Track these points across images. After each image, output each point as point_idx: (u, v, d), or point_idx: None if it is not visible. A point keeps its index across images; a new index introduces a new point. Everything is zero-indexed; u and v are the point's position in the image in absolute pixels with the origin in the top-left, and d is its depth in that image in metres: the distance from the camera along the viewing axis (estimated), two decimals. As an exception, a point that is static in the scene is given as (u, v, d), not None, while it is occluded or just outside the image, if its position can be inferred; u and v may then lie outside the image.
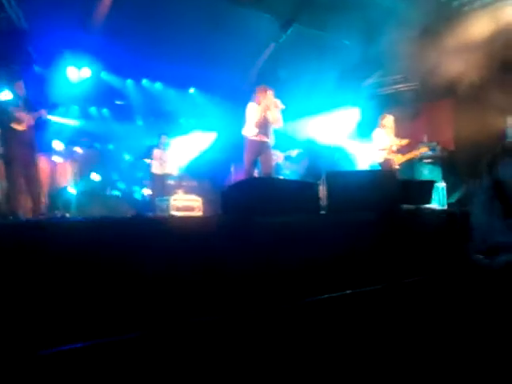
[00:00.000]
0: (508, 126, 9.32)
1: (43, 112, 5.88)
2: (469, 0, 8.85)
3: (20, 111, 5.68)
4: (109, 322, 2.44)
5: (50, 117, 6.32)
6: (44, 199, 6.79)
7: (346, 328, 2.77)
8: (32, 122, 5.74)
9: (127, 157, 10.07)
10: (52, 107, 6.26)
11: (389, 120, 8.15)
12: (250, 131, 6.31)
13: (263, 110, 6.32)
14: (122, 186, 9.58)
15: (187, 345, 2.44)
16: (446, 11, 8.67)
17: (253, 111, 6.31)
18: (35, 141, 5.89)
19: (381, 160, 8.04)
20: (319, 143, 10.90)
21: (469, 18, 8.78)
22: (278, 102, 6.44)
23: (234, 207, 4.27)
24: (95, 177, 9.19)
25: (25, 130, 5.68)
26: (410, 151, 8.54)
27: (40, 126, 5.92)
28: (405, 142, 8.20)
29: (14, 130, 5.59)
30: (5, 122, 5.56)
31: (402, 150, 8.43)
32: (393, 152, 8.10)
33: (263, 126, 6.33)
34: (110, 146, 10.38)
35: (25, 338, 2.18)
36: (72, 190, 7.91)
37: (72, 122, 9.59)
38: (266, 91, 6.38)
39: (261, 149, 6.38)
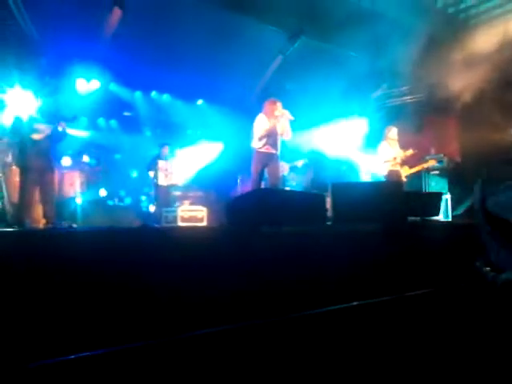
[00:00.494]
0: (514, 137, 9.31)
1: (63, 124, 5.97)
2: (476, 13, 8.92)
3: (39, 122, 5.78)
4: (114, 332, 2.45)
5: (68, 130, 6.40)
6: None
7: (352, 340, 2.76)
8: (49, 132, 5.83)
9: (134, 171, 10.14)
10: (72, 120, 6.35)
11: (393, 132, 8.22)
12: (258, 143, 6.36)
13: (272, 122, 6.38)
14: (128, 196, 9.64)
15: (190, 357, 2.44)
16: (452, 24, 8.73)
17: (261, 123, 6.36)
18: (51, 150, 5.96)
19: (386, 172, 8.09)
20: (324, 154, 10.94)
21: (475, 31, 8.83)
22: (287, 113, 6.50)
23: (241, 218, 4.28)
24: (103, 192, 9.27)
25: (41, 140, 5.76)
26: (416, 163, 8.55)
27: (58, 137, 6.01)
28: (409, 153, 8.21)
29: (32, 139, 5.68)
30: (25, 132, 5.66)
31: (409, 163, 8.43)
32: (398, 164, 8.11)
33: (271, 137, 6.37)
34: (118, 157, 10.45)
35: (24, 348, 2.19)
36: (79, 201, 7.96)
37: (80, 133, 9.68)
38: (275, 103, 6.45)
39: (268, 160, 6.40)
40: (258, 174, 6.38)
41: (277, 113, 6.39)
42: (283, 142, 6.73)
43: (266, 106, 6.48)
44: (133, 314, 2.61)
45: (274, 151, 6.45)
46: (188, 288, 2.91)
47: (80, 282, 2.56)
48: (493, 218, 3.04)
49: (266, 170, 6.48)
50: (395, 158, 8.06)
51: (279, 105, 6.46)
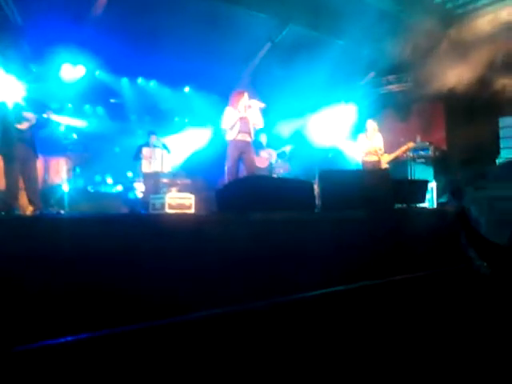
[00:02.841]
0: (500, 127, 9.44)
1: (49, 113, 5.92)
2: (462, 3, 8.96)
3: (26, 111, 5.72)
4: (100, 317, 2.46)
5: (54, 116, 6.34)
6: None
7: (339, 324, 2.81)
8: (34, 122, 5.78)
9: (120, 153, 10.07)
10: (59, 110, 6.29)
11: (372, 126, 8.53)
12: (231, 134, 6.45)
13: (240, 111, 6.47)
14: (115, 183, 9.60)
15: (179, 342, 2.47)
16: (439, 14, 8.76)
17: (229, 115, 6.45)
18: (35, 139, 5.92)
19: (361, 162, 8.50)
20: (309, 139, 11.01)
21: (462, 20, 8.90)
22: (256, 101, 6.61)
23: (230, 205, 4.30)
24: (109, 180, 9.26)
25: (26, 129, 5.71)
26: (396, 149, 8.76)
27: (42, 125, 5.96)
28: (377, 148, 8.48)
29: (16, 128, 5.63)
30: (11, 121, 5.60)
31: (390, 148, 8.63)
32: (374, 155, 8.33)
33: (243, 126, 6.45)
34: (104, 144, 10.36)
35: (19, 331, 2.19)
36: (65, 187, 7.90)
37: (66, 120, 9.56)
38: (241, 94, 6.56)
39: (244, 148, 6.47)
40: (235, 161, 6.44)
41: (243, 103, 6.48)
42: (261, 131, 6.78)
43: (232, 97, 6.58)
44: (121, 300, 2.63)
45: (248, 139, 6.54)
46: (175, 275, 2.93)
47: (68, 267, 2.56)
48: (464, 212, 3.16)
49: (242, 159, 6.53)
50: (371, 150, 8.40)
51: (246, 95, 6.55)
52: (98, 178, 9.60)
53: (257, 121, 6.62)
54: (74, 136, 9.45)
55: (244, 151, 6.47)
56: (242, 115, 6.48)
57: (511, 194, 3.37)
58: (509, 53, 8.15)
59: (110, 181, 9.73)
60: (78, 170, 9.12)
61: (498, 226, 3.16)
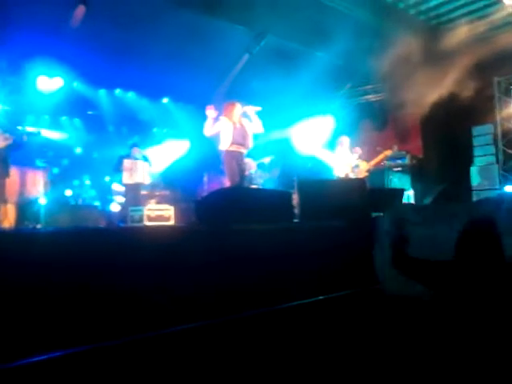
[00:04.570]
0: (474, 136, 9.67)
1: (25, 137, 5.87)
2: (436, 15, 9.17)
3: (3, 131, 5.69)
4: (76, 334, 2.43)
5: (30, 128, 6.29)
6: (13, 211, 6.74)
7: (319, 333, 2.83)
8: (11, 142, 5.74)
9: (100, 171, 9.97)
10: (36, 135, 6.25)
11: (344, 142, 8.78)
12: (225, 144, 6.43)
13: (234, 122, 6.50)
14: (94, 196, 9.49)
15: (160, 355, 2.45)
16: (414, 25, 8.96)
17: (223, 125, 6.45)
18: (9, 157, 5.87)
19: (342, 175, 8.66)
20: (292, 150, 11.08)
21: (437, 32, 9.11)
22: (251, 107, 6.68)
23: (209, 216, 4.30)
24: (68, 192, 9.11)
25: (1, 148, 5.68)
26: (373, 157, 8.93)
27: (18, 145, 5.92)
28: (360, 163, 8.78)
29: None
30: None
31: (367, 158, 8.79)
32: (349, 168, 8.63)
33: (237, 137, 6.47)
34: (82, 156, 10.27)
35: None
36: (42, 201, 7.78)
37: (43, 133, 9.44)
38: (234, 104, 6.58)
39: (238, 159, 6.51)
40: (235, 171, 6.44)
41: (237, 113, 6.51)
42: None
43: (226, 107, 6.58)
44: (100, 316, 2.60)
45: (242, 150, 6.57)
46: (156, 287, 2.91)
47: (44, 282, 2.53)
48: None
49: None
50: (346, 164, 8.66)
51: (239, 105, 6.58)
52: (76, 183, 9.49)
53: (256, 127, 6.66)
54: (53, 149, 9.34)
55: (238, 162, 6.49)
56: (237, 126, 6.49)
57: None
58: (482, 64, 8.38)
59: (87, 182, 9.62)
60: (55, 182, 8.99)
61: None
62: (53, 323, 2.40)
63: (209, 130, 6.45)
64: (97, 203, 9.33)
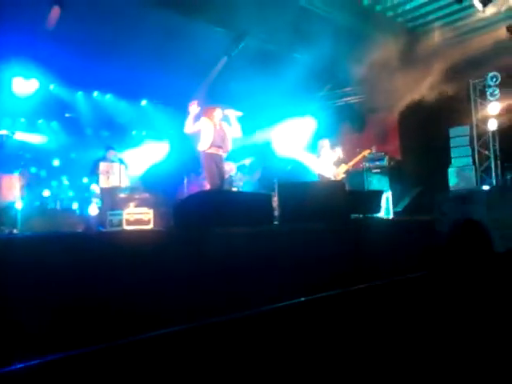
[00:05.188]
0: (451, 137, 9.83)
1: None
2: (412, 18, 9.29)
3: None
4: (56, 340, 2.40)
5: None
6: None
7: (300, 335, 2.83)
8: None
9: (77, 174, 9.86)
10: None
11: (325, 145, 8.77)
12: (204, 145, 6.45)
13: (215, 125, 6.53)
14: (72, 197, 9.37)
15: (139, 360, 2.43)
16: (391, 27, 9.06)
17: (204, 125, 6.47)
18: None
19: (319, 175, 8.68)
20: (271, 152, 11.11)
21: (414, 34, 9.24)
22: (232, 111, 6.73)
23: (188, 220, 4.28)
24: (46, 193, 8.97)
25: None
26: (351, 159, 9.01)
27: None
28: (338, 153, 8.79)
29: None
30: None
31: (347, 159, 8.85)
32: (330, 170, 8.66)
33: (216, 140, 6.49)
34: (59, 159, 10.12)
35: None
36: (19, 205, 7.64)
37: (19, 136, 9.28)
38: (214, 109, 6.62)
39: (216, 161, 6.52)
40: (214, 172, 6.46)
41: (217, 117, 6.57)
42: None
43: (206, 110, 6.62)
44: (80, 321, 2.57)
45: (220, 153, 6.59)
46: (135, 292, 2.88)
47: (22, 287, 2.49)
48: None
49: None
50: (329, 167, 8.66)
51: (219, 110, 6.64)
52: (54, 183, 9.35)
53: (235, 131, 6.73)
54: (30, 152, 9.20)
55: (218, 165, 6.52)
56: (217, 128, 6.53)
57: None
58: (457, 66, 8.52)
59: (66, 182, 9.49)
60: (32, 186, 8.84)
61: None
62: (31, 330, 2.36)
63: (190, 127, 6.48)
64: (75, 204, 9.20)
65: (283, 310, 3.27)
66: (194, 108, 6.48)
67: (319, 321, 3.11)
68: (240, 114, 6.80)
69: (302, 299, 3.42)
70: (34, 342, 2.32)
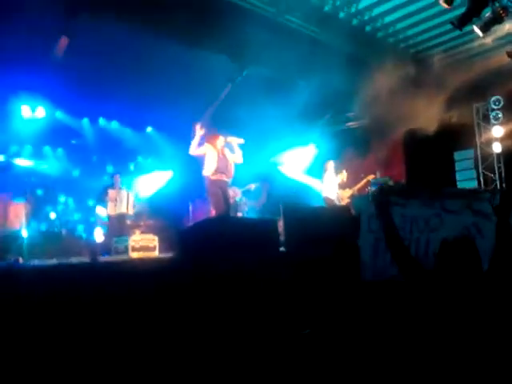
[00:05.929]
0: (456, 160, 9.84)
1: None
2: (413, 44, 9.39)
3: None
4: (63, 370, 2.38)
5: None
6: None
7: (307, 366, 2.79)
8: None
9: (84, 200, 9.92)
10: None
11: (329, 165, 8.95)
12: (208, 171, 6.58)
13: (218, 151, 6.67)
14: (78, 220, 9.43)
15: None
16: (394, 53, 9.14)
17: (208, 151, 6.63)
18: None
19: (324, 198, 8.79)
20: (277, 173, 11.16)
21: (417, 60, 9.32)
22: (234, 138, 6.88)
23: (192, 248, 4.26)
24: (52, 215, 9.04)
25: None
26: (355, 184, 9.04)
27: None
28: (343, 176, 8.96)
29: None
30: None
31: (351, 184, 8.88)
32: (336, 192, 8.80)
33: (220, 166, 6.63)
34: (65, 187, 10.19)
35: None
36: (25, 233, 7.66)
37: (25, 163, 9.37)
38: (217, 137, 6.76)
39: (221, 187, 6.63)
40: (219, 197, 6.56)
41: (220, 144, 6.71)
42: (236, 168, 6.91)
43: (210, 138, 6.75)
44: (82, 351, 2.55)
45: (225, 179, 6.70)
46: (141, 321, 2.86)
47: (27, 318, 2.48)
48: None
49: None
50: (335, 188, 8.84)
51: (221, 138, 6.77)
52: (59, 207, 9.45)
53: (236, 157, 6.85)
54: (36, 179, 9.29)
55: (223, 190, 6.62)
56: (220, 155, 6.65)
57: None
58: (461, 91, 8.57)
59: (71, 204, 9.55)
60: (38, 212, 8.89)
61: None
62: (39, 361, 2.35)
63: (194, 148, 6.60)
64: (80, 226, 9.25)
65: (288, 341, 3.22)
66: (198, 129, 6.63)
67: (327, 354, 3.07)
68: (242, 141, 6.93)
69: (307, 331, 3.38)
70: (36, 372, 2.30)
